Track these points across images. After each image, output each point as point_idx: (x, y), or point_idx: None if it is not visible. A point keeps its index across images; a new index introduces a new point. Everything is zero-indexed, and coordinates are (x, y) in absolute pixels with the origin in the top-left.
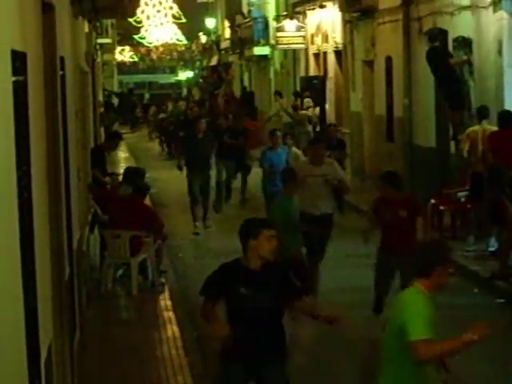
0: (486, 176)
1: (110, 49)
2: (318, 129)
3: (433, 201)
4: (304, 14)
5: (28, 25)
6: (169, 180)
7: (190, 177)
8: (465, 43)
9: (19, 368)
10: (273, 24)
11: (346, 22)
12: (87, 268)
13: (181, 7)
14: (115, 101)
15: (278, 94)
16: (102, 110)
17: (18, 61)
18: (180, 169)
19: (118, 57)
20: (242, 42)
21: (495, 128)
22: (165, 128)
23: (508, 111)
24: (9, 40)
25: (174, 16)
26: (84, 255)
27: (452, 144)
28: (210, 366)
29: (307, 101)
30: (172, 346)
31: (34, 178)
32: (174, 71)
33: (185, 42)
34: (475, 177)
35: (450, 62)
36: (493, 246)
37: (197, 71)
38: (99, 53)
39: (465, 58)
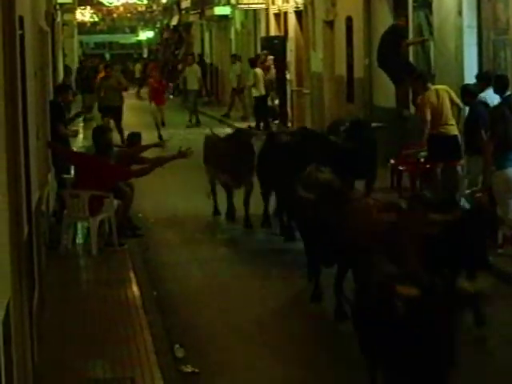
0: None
1: (70, 9)
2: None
3: (392, 161)
4: None
5: None
6: None
7: None
8: (425, 4)
9: None
10: None
11: None
12: (46, 228)
13: None
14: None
15: (235, 56)
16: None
17: None
18: None
19: (79, 17)
20: (202, 2)
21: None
22: None
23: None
24: None
25: None
26: (43, 215)
27: (411, 106)
28: (168, 324)
29: (270, 58)
30: (132, 305)
31: None
32: (134, 31)
33: (145, 1)
34: (434, 138)
35: (404, 42)
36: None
37: (157, 31)
38: (59, 13)
39: (421, 39)
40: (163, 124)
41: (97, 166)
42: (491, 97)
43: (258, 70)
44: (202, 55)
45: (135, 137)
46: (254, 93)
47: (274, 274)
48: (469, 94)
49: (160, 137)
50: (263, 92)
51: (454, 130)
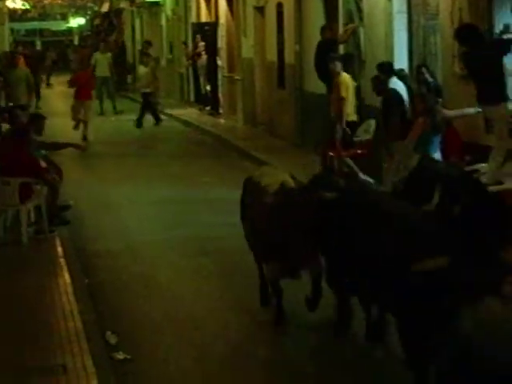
0: None
1: None
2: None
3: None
4: None
5: None
6: None
7: None
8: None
9: None
10: None
11: None
12: None
13: None
14: None
15: (147, 42)
16: None
17: None
18: None
19: (10, 4)
20: None
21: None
22: None
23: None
24: None
25: None
26: None
27: None
28: (100, 312)
29: (202, 44)
30: (63, 292)
31: None
32: (65, 18)
33: None
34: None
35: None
36: None
37: (88, 18)
38: None
39: (352, 27)
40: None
41: (20, 155)
42: (396, 84)
43: (142, 68)
44: (123, 42)
45: (38, 118)
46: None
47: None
48: (379, 84)
49: (84, 137)
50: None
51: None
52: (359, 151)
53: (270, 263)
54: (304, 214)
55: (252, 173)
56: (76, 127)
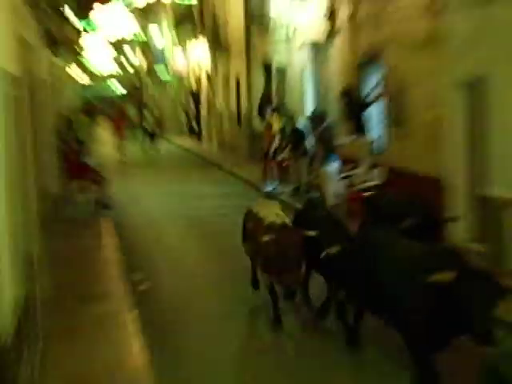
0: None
1: None
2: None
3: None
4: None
5: None
6: None
7: None
8: (281, 71)
9: None
10: None
11: (213, 56)
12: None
13: None
14: None
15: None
16: None
17: None
18: None
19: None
20: None
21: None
22: None
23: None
24: None
25: None
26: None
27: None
28: (129, 261)
29: (192, 102)
30: (110, 248)
31: None
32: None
33: None
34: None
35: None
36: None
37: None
38: None
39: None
40: None
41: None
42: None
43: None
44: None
45: None
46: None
47: (196, 231)
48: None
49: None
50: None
51: None
52: (284, 164)
53: (267, 276)
54: (292, 247)
55: (245, 201)
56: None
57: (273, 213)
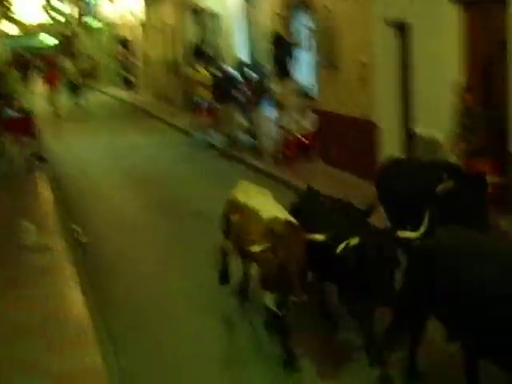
0: None
1: None
2: None
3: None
4: None
5: None
6: None
7: None
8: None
9: None
10: None
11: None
12: None
13: None
14: None
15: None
16: None
17: None
18: None
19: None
20: None
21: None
22: None
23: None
24: None
25: None
26: None
27: None
28: (69, 210)
29: (125, 51)
30: (47, 199)
31: None
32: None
33: None
34: None
35: None
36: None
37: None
38: None
39: None
40: None
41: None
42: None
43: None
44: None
45: None
46: None
47: (137, 174)
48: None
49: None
50: None
51: None
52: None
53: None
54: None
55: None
56: None
57: (268, 203)
